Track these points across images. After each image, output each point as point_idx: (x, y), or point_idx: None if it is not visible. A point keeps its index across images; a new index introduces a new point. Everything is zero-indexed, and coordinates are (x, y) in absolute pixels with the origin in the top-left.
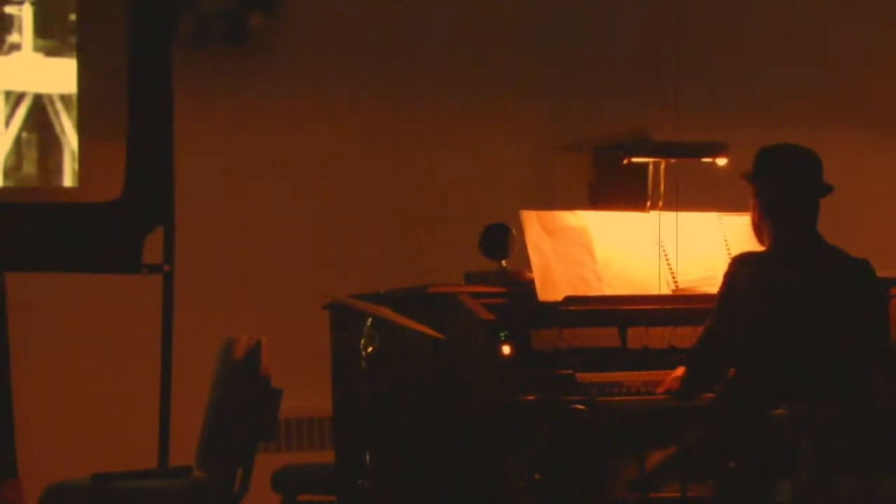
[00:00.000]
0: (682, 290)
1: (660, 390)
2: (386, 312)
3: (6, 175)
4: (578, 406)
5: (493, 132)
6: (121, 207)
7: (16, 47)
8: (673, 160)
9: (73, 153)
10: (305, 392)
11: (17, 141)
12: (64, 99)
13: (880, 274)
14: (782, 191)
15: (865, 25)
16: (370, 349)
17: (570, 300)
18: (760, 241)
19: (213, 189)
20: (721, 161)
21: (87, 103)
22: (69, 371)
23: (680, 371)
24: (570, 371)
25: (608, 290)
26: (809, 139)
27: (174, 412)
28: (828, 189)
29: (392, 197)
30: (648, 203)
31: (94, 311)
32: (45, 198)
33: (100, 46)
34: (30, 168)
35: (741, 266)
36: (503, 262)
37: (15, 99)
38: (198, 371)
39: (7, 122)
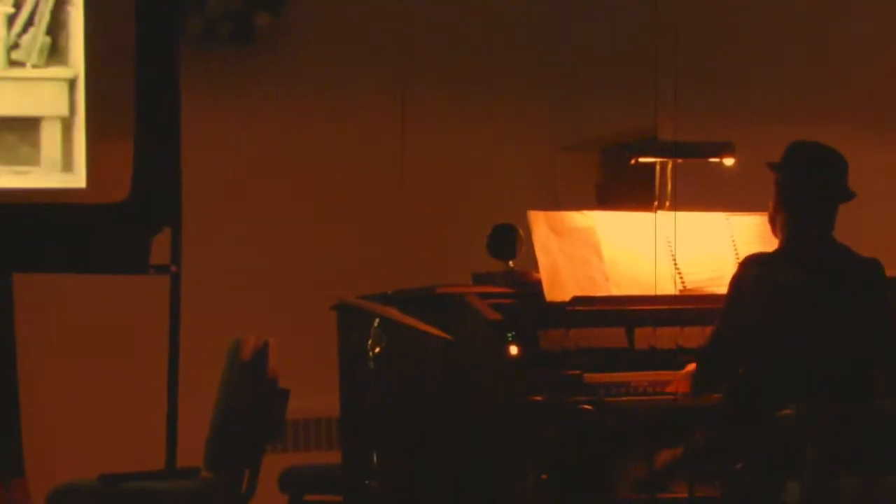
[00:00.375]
0: (689, 290)
1: (670, 389)
2: (393, 313)
3: None
4: (586, 406)
5: (495, 132)
6: (128, 208)
7: None
8: (680, 160)
9: None
10: (312, 392)
11: None
12: None
13: None
14: (804, 188)
15: (865, 25)
16: (377, 349)
17: (577, 300)
18: (773, 232)
19: (220, 189)
20: (728, 161)
21: (94, 104)
22: (76, 371)
23: (690, 367)
24: (577, 371)
25: (616, 291)
26: (809, 139)
27: (181, 413)
28: (850, 195)
29: (397, 197)
30: (656, 203)
31: (102, 312)
32: (53, 199)
33: (107, 47)
34: None
35: (750, 267)
36: (510, 262)
37: None
38: (205, 372)
39: None
